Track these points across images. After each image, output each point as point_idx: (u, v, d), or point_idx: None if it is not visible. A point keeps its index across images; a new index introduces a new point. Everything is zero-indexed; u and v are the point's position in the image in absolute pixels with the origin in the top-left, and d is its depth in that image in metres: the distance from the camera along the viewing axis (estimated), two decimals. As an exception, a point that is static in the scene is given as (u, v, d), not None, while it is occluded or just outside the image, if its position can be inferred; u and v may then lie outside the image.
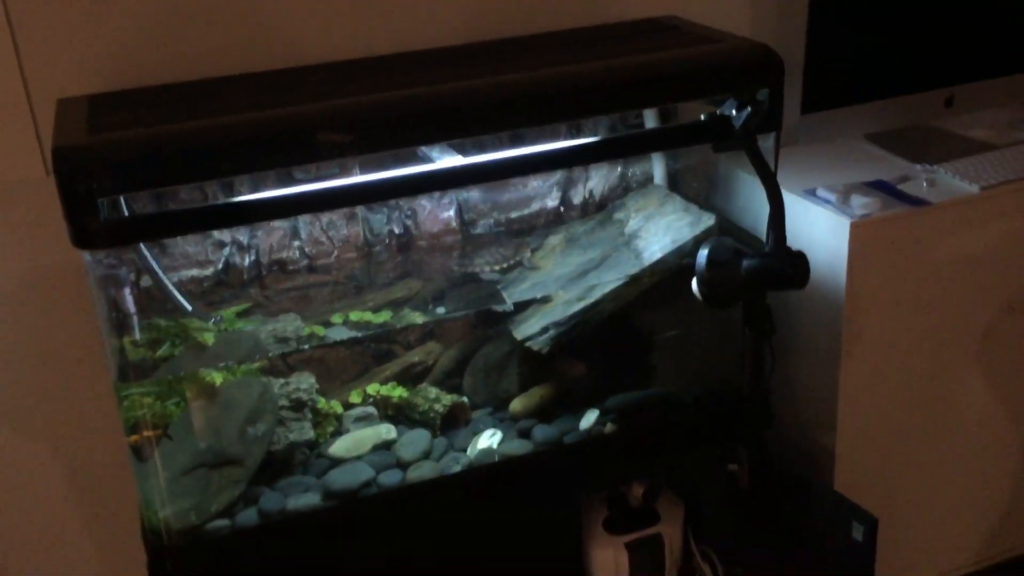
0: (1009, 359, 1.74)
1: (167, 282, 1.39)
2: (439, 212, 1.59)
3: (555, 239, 1.61)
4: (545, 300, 1.51)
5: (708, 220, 1.49)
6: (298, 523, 1.36)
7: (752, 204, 1.64)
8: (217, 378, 1.36)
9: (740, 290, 1.32)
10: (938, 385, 1.70)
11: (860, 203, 1.55)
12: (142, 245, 1.35)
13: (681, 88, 1.32)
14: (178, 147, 1.12)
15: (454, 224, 1.60)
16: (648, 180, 1.69)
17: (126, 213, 1.20)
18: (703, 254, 1.32)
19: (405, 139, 1.21)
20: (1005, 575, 1.89)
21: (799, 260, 1.27)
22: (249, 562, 1.36)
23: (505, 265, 1.55)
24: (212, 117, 1.20)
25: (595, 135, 1.56)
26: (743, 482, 1.64)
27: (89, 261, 1.21)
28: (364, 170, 1.33)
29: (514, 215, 1.63)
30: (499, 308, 1.49)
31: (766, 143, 1.37)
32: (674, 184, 1.67)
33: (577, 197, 1.66)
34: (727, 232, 1.54)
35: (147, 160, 1.11)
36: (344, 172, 1.36)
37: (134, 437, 1.25)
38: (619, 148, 1.36)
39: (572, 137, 1.53)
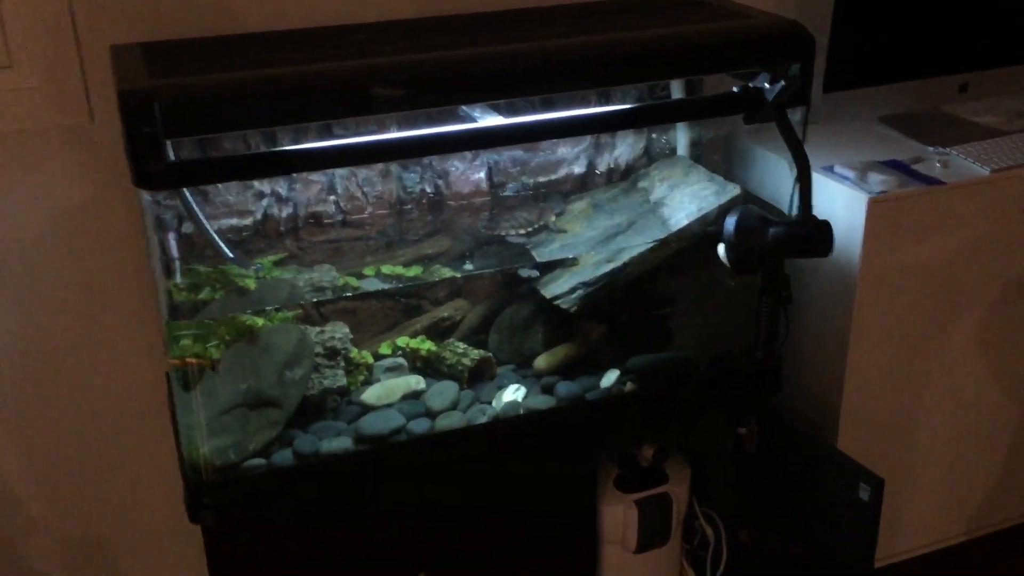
0: (1011, 337, 1.81)
1: (210, 229, 1.43)
2: (470, 174, 1.64)
3: (581, 204, 1.67)
4: (572, 262, 1.56)
5: (733, 190, 1.55)
6: (331, 465, 1.41)
7: (769, 178, 1.70)
8: (258, 322, 1.41)
9: (766, 257, 1.38)
10: (941, 359, 1.77)
11: (877, 180, 1.61)
12: (187, 191, 1.39)
13: (718, 59, 1.37)
14: (242, 93, 1.16)
15: (484, 186, 1.65)
16: (671, 152, 1.74)
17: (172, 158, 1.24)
18: (731, 221, 1.38)
19: (455, 97, 1.26)
20: (997, 545, 1.97)
21: (825, 228, 1.33)
22: (283, 501, 1.41)
23: (530, 229, 1.60)
24: (268, 68, 1.24)
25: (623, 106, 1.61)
26: (751, 445, 1.70)
27: (148, 202, 1.25)
28: (402, 129, 1.38)
29: (542, 179, 1.68)
30: (526, 271, 1.55)
31: (793, 117, 1.42)
32: (695, 157, 1.73)
33: (603, 165, 1.71)
34: (747, 203, 1.60)
35: (212, 104, 1.15)
36: (381, 130, 1.41)
37: (185, 360, 1.29)
38: (657, 115, 1.42)
39: (601, 107, 1.58)
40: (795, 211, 1.43)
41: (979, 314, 1.77)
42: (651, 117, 1.43)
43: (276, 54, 1.36)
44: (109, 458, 1.73)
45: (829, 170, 1.66)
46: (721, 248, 1.41)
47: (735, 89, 1.41)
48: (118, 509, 1.77)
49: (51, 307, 1.60)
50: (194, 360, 1.31)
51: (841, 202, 1.62)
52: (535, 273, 1.55)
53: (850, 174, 1.64)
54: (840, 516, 1.59)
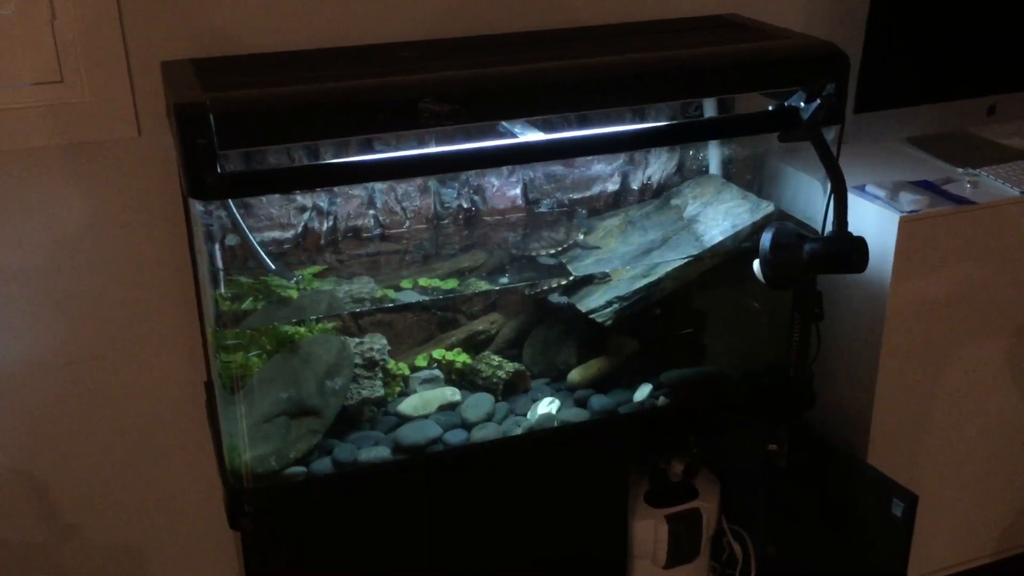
0: (1039, 357, 1.82)
1: (253, 240, 1.46)
2: (506, 189, 1.67)
3: (615, 221, 1.69)
4: (604, 278, 1.58)
5: (767, 207, 1.57)
6: (369, 474, 1.43)
7: (799, 197, 1.72)
8: (300, 332, 1.44)
9: (801, 273, 1.40)
10: (971, 377, 1.78)
11: (909, 200, 1.63)
12: (231, 203, 1.43)
13: (756, 78, 1.40)
14: (294, 106, 1.20)
15: (520, 202, 1.68)
16: (704, 170, 1.76)
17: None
18: (767, 236, 1.40)
19: (500, 112, 1.29)
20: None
21: (860, 245, 1.35)
22: (321, 508, 1.43)
23: (558, 249, 1.63)
24: (318, 83, 1.28)
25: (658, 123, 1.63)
26: (782, 461, 1.72)
27: (200, 212, 1.28)
28: (439, 144, 1.41)
29: (576, 196, 1.71)
30: (556, 298, 1.57)
31: (827, 135, 1.44)
32: (727, 175, 1.75)
33: (636, 182, 1.74)
34: (779, 221, 1.62)
35: (265, 117, 1.19)
36: (420, 146, 1.44)
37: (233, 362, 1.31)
38: (694, 132, 1.45)
39: (636, 124, 1.60)
40: (828, 228, 1.45)
41: (1009, 332, 1.78)
42: (688, 134, 1.46)
43: (323, 70, 1.39)
44: (145, 466, 1.75)
45: (861, 189, 1.68)
46: (756, 264, 1.43)
47: (770, 108, 1.43)
48: (153, 517, 1.79)
49: (93, 316, 1.64)
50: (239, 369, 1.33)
51: (872, 221, 1.64)
52: (564, 300, 1.58)
53: (881, 193, 1.66)
54: (872, 532, 1.59)
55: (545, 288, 1.58)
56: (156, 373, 1.70)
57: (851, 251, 1.35)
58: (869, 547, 1.62)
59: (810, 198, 1.64)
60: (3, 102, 1.49)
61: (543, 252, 1.61)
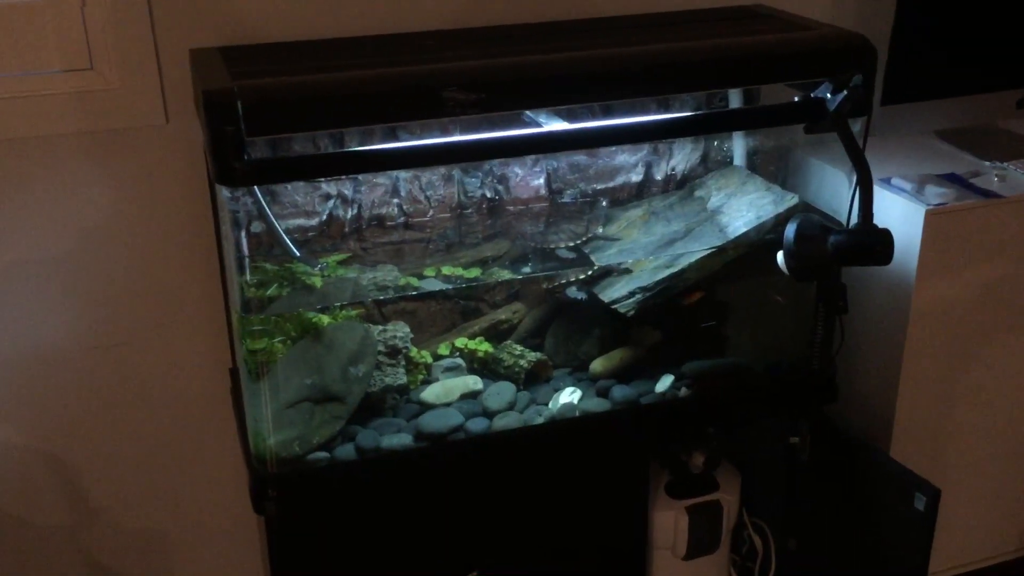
0: (1065, 353, 1.81)
1: (279, 228, 1.47)
2: (530, 179, 1.67)
3: (637, 211, 1.69)
4: (625, 270, 1.58)
5: (792, 199, 1.56)
6: (391, 461, 1.44)
7: (824, 189, 1.71)
8: (324, 319, 1.45)
9: (826, 265, 1.39)
10: (996, 371, 1.77)
11: (935, 193, 1.61)
12: (257, 190, 1.44)
13: (783, 69, 1.39)
14: (321, 94, 1.21)
15: (543, 191, 1.68)
16: (727, 161, 1.76)
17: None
18: (792, 228, 1.40)
19: (525, 101, 1.29)
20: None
21: (886, 237, 1.34)
22: (344, 494, 1.44)
23: (578, 242, 1.63)
24: (344, 71, 1.28)
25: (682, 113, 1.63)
26: (804, 454, 1.71)
27: (228, 199, 1.29)
28: (463, 133, 1.41)
29: (599, 186, 1.71)
30: (574, 293, 1.57)
31: (854, 127, 1.44)
32: (751, 167, 1.75)
33: (659, 173, 1.73)
34: (804, 212, 1.61)
35: (292, 105, 1.19)
36: (443, 135, 1.44)
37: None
38: (720, 123, 1.44)
39: (660, 115, 1.60)
40: (853, 221, 1.44)
41: (1035, 329, 1.76)
42: (714, 125, 1.46)
43: (349, 59, 1.39)
44: (171, 450, 1.77)
45: (886, 182, 1.67)
46: (780, 255, 1.42)
47: (796, 99, 1.43)
48: (178, 501, 1.81)
49: (120, 301, 1.65)
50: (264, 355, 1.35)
51: (898, 214, 1.63)
52: (583, 295, 1.58)
53: (907, 186, 1.65)
54: (893, 526, 1.59)
55: (564, 282, 1.58)
56: (182, 358, 1.72)
57: (876, 243, 1.34)
58: (890, 541, 1.61)
59: (835, 190, 1.63)
60: (33, 89, 1.50)
61: (562, 245, 1.61)
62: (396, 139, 1.46)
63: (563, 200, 1.69)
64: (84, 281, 1.62)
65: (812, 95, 1.41)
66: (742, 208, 1.60)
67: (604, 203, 1.67)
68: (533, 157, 1.58)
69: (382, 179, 1.60)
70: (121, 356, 1.69)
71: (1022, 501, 1.92)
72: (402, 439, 1.46)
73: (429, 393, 1.52)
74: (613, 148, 1.63)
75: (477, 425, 1.50)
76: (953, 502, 1.83)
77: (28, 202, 1.56)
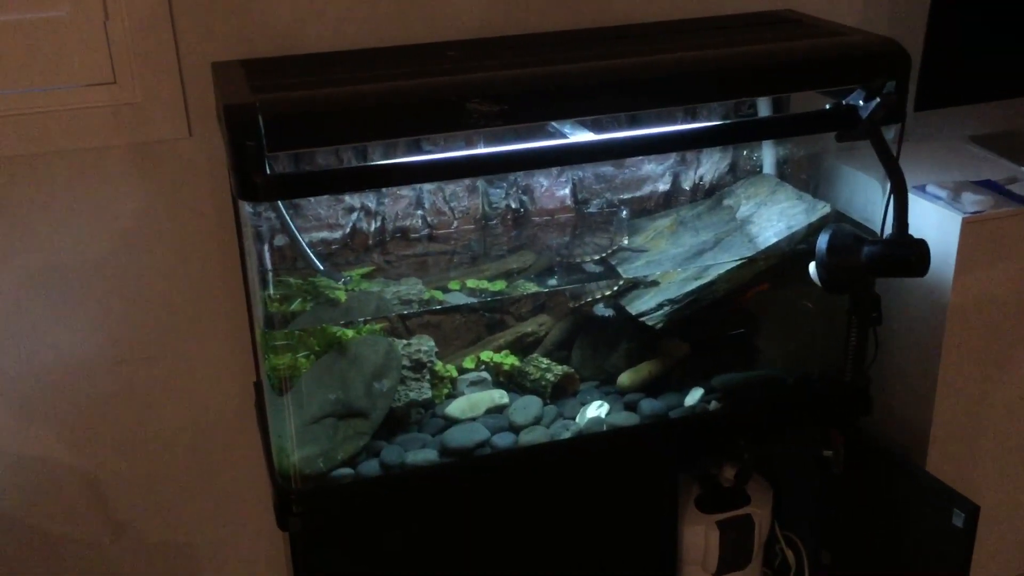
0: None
1: (302, 241, 1.46)
2: (555, 190, 1.65)
3: (665, 222, 1.66)
4: (652, 282, 1.56)
5: (824, 208, 1.53)
6: (416, 477, 1.43)
7: (857, 198, 1.67)
8: (348, 334, 1.43)
9: (859, 276, 1.36)
10: (1036, 384, 1.72)
11: (972, 200, 1.57)
12: (280, 204, 1.42)
13: (815, 76, 1.36)
14: (343, 108, 1.19)
15: (569, 202, 1.66)
16: (756, 170, 1.73)
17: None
18: (824, 239, 1.36)
19: (549, 112, 1.27)
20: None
21: (922, 247, 1.31)
22: (369, 510, 1.42)
23: (604, 255, 1.60)
24: (368, 84, 1.27)
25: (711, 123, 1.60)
26: (838, 468, 1.68)
27: (249, 213, 1.28)
28: (488, 145, 1.39)
29: (625, 196, 1.68)
30: (600, 311, 1.55)
31: (887, 134, 1.40)
32: (781, 175, 1.71)
33: (687, 182, 1.71)
34: (836, 222, 1.58)
35: (314, 119, 1.18)
36: (468, 146, 1.43)
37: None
38: (751, 132, 1.41)
39: (688, 124, 1.58)
40: (887, 230, 1.41)
41: (1075, 339, 1.72)
42: (744, 134, 1.43)
43: (371, 71, 1.38)
44: (196, 465, 1.77)
45: (921, 189, 1.63)
46: (812, 266, 1.39)
47: (828, 107, 1.40)
48: (203, 515, 1.80)
49: (144, 316, 1.65)
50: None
51: (933, 222, 1.59)
52: (610, 312, 1.56)
53: (943, 193, 1.61)
54: (930, 542, 1.55)
55: (591, 299, 1.56)
56: (207, 373, 1.71)
57: (912, 254, 1.31)
58: (927, 557, 1.57)
59: (868, 199, 1.60)
60: (57, 103, 1.50)
61: (587, 259, 1.59)
62: (420, 150, 1.45)
63: (589, 210, 1.67)
64: (108, 295, 1.62)
65: (844, 102, 1.38)
66: (772, 217, 1.57)
67: (625, 214, 1.65)
68: (558, 168, 1.55)
69: (406, 191, 1.58)
70: (146, 369, 1.68)
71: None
72: (427, 455, 1.44)
73: (454, 408, 1.50)
74: (640, 157, 1.61)
75: (503, 440, 1.47)
76: (990, 514, 1.78)
77: (51, 217, 1.56)
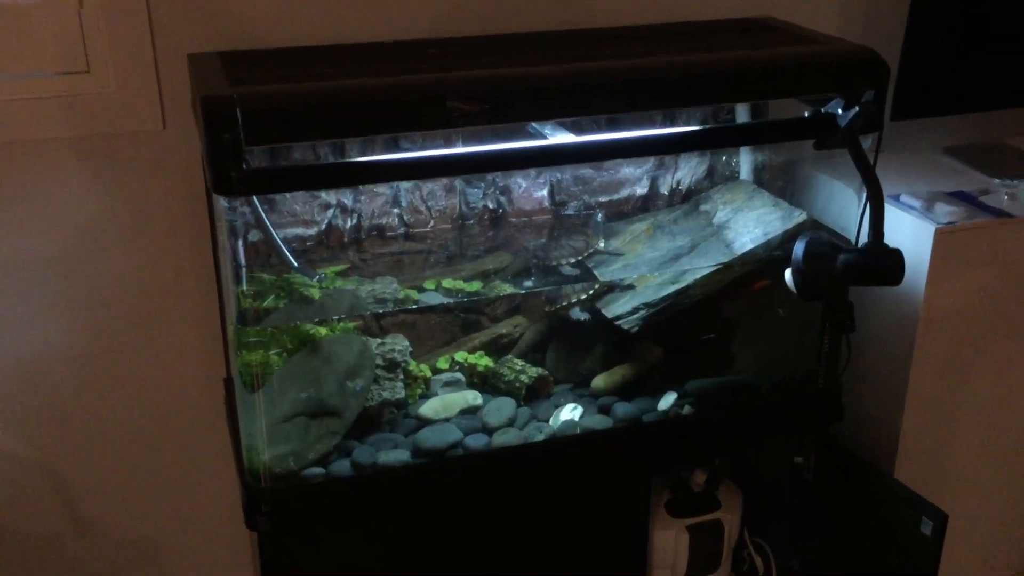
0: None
1: (277, 238, 1.44)
2: (533, 191, 1.64)
3: (641, 225, 1.66)
4: (628, 286, 1.56)
5: (800, 215, 1.54)
6: (388, 477, 1.41)
7: (832, 205, 1.68)
8: (321, 332, 1.42)
9: (834, 284, 1.37)
10: (1003, 392, 1.74)
11: (945, 211, 1.59)
12: (256, 199, 1.41)
13: (794, 83, 1.37)
14: (322, 103, 1.18)
15: (546, 204, 1.65)
16: (733, 175, 1.73)
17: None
18: (800, 247, 1.37)
19: (529, 112, 1.26)
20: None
21: (896, 257, 1.31)
22: (339, 510, 1.41)
23: (579, 258, 1.60)
24: (346, 79, 1.25)
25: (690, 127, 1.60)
26: (809, 474, 1.68)
27: (224, 208, 1.26)
28: (467, 144, 1.39)
29: (603, 199, 1.68)
30: (577, 315, 1.55)
31: (864, 143, 1.41)
32: (758, 182, 1.72)
33: (664, 187, 1.71)
34: (812, 230, 1.59)
35: (293, 113, 1.16)
36: (447, 145, 1.42)
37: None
38: (729, 138, 1.41)
39: (666, 128, 1.58)
40: (863, 239, 1.42)
41: (1043, 350, 1.74)
42: (722, 140, 1.44)
43: (351, 66, 1.37)
44: (163, 461, 1.74)
45: (895, 199, 1.65)
46: (788, 273, 1.40)
47: (806, 114, 1.40)
48: (170, 512, 1.78)
49: (113, 309, 1.63)
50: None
51: (907, 231, 1.61)
52: (585, 315, 1.55)
53: (917, 203, 1.62)
54: (898, 549, 1.56)
55: (566, 303, 1.56)
56: (176, 369, 1.69)
57: (887, 264, 1.31)
58: (895, 564, 1.58)
59: (844, 206, 1.60)
60: (28, 92, 1.47)
61: (563, 262, 1.58)
62: (398, 148, 1.44)
63: (567, 212, 1.66)
64: (77, 287, 1.59)
65: (823, 110, 1.39)
66: (749, 224, 1.57)
67: (600, 216, 1.64)
68: (536, 169, 1.55)
69: (382, 189, 1.57)
70: (113, 364, 1.66)
71: (1020, 526, 1.89)
72: (399, 455, 1.43)
73: (428, 408, 1.49)
74: (618, 160, 1.61)
75: (476, 441, 1.46)
76: (959, 521, 1.80)
77: (22, 207, 1.53)
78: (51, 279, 1.58)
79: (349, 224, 1.56)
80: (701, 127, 1.47)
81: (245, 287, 1.39)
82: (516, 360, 1.56)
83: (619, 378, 1.57)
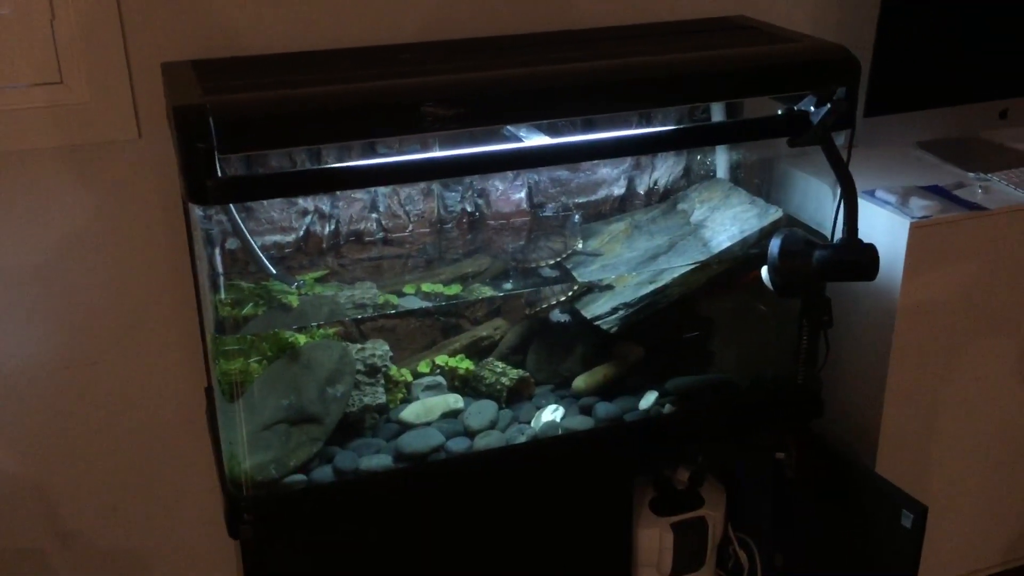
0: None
1: (254, 245, 1.44)
2: (511, 193, 1.65)
3: (619, 226, 1.67)
4: (607, 286, 1.56)
5: (776, 213, 1.55)
6: (370, 482, 1.41)
7: (807, 202, 1.69)
8: (301, 339, 1.42)
9: (811, 280, 1.38)
10: (981, 385, 1.76)
11: (920, 205, 1.60)
12: (232, 207, 1.40)
13: (766, 81, 1.38)
14: (296, 110, 1.18)
15: (524, 206, 1.66)
16: (710, 174, 1.74)
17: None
18: (776, 243, 1.38)
19: (504, 116, 1.27)
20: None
21: (871, 252, 1.32)
22: (322, 517, 1.41)
23: (558, 260, 1.60)
24: (320, 86, 1.25)
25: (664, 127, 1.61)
26: (791, 470, 1.69)
27: (200, 217, 1.26)
28: (444, 148, 1.39)
29: (581, 200, 1.69)
30: (557, 317, 1.55)
31: (837, 140, 1.42)
32: (735, 180, 1.73)
33: (642, 187, 1.71)
34: (790, 226, 1.60)
35: (266, 121, 1.17)
36: (423, 149, 1.42)
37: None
38: (703, 137, 1.42)
39: (641, 128, 1.58)
40: (838, 235, 1.43)
41: (1020, 340, 1.75)
42: (697, 139, 1.44)
43: (325, 72, 1.37)
44: (145, 471, 1.74)
45: (870, 194, 1.66)
46: (764, 270, 1.40)
47: (780, 112, 1.41)
48: (153, 523, 1.77)
49: (92, 320, 1.62)
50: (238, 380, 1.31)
51: (882, 226, 1.62)
52: (565, 316, 1.56)
53: (891, 198, 1.63)
54: (880, 542, 1.57)
55: (546, 305, 1.56)
56: (156, 378, 1.68)
57: (862, 259, 1.32)
58: (877, 557, 1.59)
59: (819, 202, 1.61)
60: (4, 103, 1.47)
61: (542, 264, 1.59)
62: (375, 153, 1.44)
63: (544, 214, 1.67)
64: (54, 299, 1.59)
65: (796, 108, 1.40)
66: (726, 222, 1.58)
67: (577, 218, 1.65)
68: (513, 171, 1.55)
69: (360, 194, 1.57)
70: (93, 375, 1.65)
71: (1008, 513, 1.90)
72: (381, 460, 1.43)
73: (409, 412, 1.49)
74: (595, 161, 1.61)
75: (458, 445, 1.47)
76: (939, 514, 1.81)
77: (-3, 219, 1.52)
78: (28, 291, 1.57)
79: (327, 230, 1.56)
80: (676, 127, 1.48)
81: (223, 295, 1.39)
82: (497, 363, 1.56)
83: (600, 378, 1.57)
